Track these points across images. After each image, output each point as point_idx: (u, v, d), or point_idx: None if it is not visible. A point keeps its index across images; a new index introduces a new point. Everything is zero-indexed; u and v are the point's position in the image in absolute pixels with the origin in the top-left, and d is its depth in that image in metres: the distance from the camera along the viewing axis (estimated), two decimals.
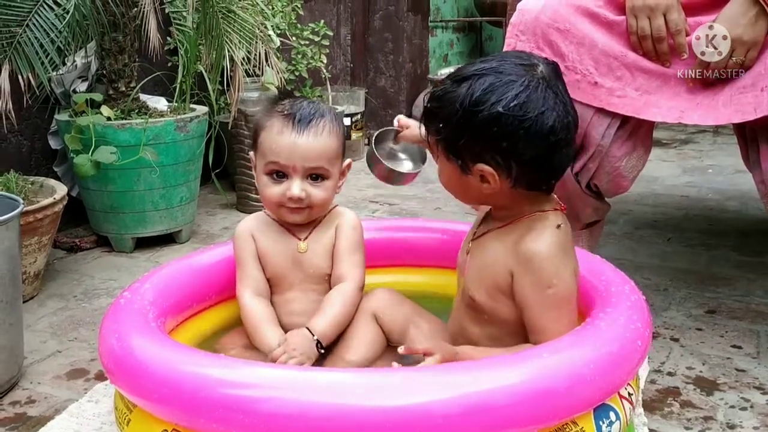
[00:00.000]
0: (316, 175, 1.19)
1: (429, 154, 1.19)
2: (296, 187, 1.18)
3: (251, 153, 1.25)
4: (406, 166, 1.40)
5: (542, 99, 0.96)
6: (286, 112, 1.19)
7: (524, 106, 0.95)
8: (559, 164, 1.02)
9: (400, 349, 0.98)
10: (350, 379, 0.86)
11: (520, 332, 1.06)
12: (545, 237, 1.01)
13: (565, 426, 0.88)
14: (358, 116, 3.44)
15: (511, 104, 0.94)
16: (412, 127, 1.34)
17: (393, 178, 1.37)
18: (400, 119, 1.37)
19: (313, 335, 1.14)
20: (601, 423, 0.91)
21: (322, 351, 1.15)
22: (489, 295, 1.06)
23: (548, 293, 1.00)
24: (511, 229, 1.05)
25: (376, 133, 1.39)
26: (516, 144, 0.96)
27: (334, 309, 1.18)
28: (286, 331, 1.19)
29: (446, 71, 3.85)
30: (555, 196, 1.08)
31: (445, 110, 0.99)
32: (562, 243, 1.02)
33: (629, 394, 0.98)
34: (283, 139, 1.17)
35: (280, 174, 1.19)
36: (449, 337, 1.16)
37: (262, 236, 1.25)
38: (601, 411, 0.92)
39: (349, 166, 1.26)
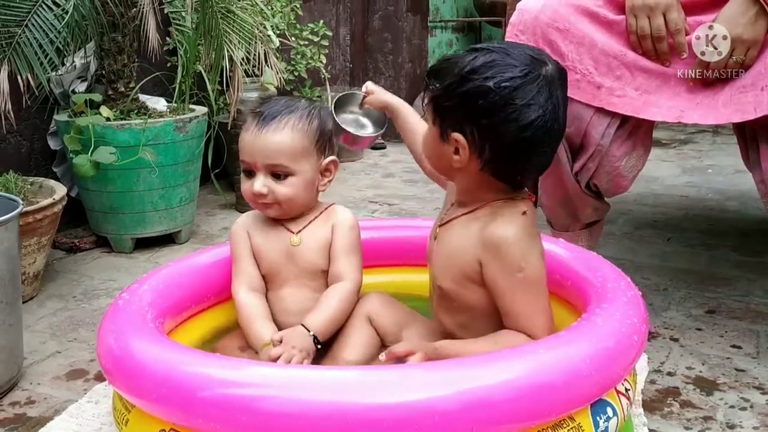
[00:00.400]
0: (278, 172, 1.20)
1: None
2: (258, 183, 1.19)
3: None
4: (366, 129, 1.43)
5: (534, 93, 0.96)
6: (258, 110, 1.22)
7: (514, 92, 0.96)
8: (532, 165, 1.03)
9: (381, 357, 0.99)
10: (348, 377, 0.86)
11: (489, 318, 1.06)
12: (511, 223, 1.01)
13: (562, 422, 0.88)
14: None
15: (503, 84, 0.95)
16: (376, 92, 1.37)
17: (353, 140, 1.39)
18: (368, 85, 1.39)
19: (309, 331, 1.14)
20: (598, 418, 0.91)
21: (319, 346, 1.14)
22: (456, 283, 1.07)
23: (518, 277, 1.00)
24: (477, 216, 1.06)
25: (337, 96, 1.41)
26: (495, 125, 0.97)
27: (331, 306, 1.18)
28: (281, 328, 1.19)
29: None
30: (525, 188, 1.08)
31: (445, 71, 1.00)
32: (527, 228, 1.03)
33: (626, 390, 0.98)
34: (247, 136, 1.20)
35: (249, 170, 1.22)
36: (437, 335, 1.16)
37: (256, 232, 1.26)
38: (598, 407, 0.92)
39: (335, 163, 1.25)
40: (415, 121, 1.33)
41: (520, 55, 0.98)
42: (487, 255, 1.02)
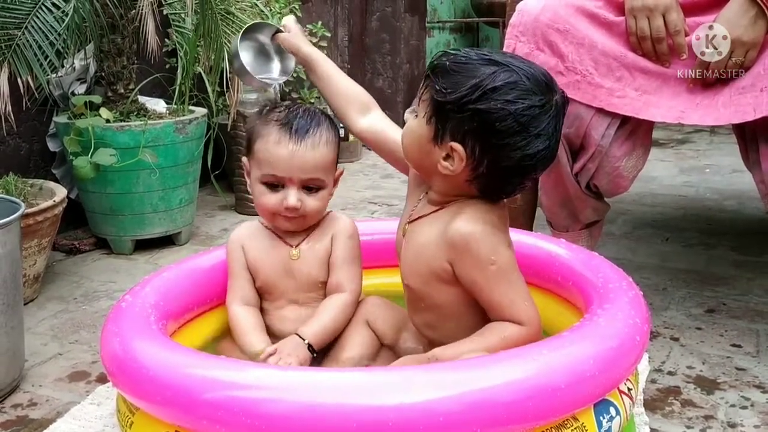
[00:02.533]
0: (311, 185, 1.19)
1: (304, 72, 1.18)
2: (293, 197, 1.17)
3: (244, 159, 1.24)
4: (269, 69, 1.32)
5: (545, 123, 0.96)
6: (283, 122, 1.18)
7: (531, 121, 0.95)
8: (519, 187, 1.03)
9: None
10: (352, 379, 0.86)
11: (457, 318, 1.07)
12: (474, 218, 1.01)
13: (565, 422, 0.88)
14: None
15: (523, 112, 0.94)
16: (292, 34, 1.26)
17: (245, 77, 1.29)
18: (287, 20, 1.28)
19: (304, 340, 1.14)
20: (601, 418, 0.91)
21: (315, 355, 1.15)
22: (425, 282, 1.07)
23: (492, 270, 1.00)
24: (443, 214, 1.05)
25: (248, 24, 1.29)
26: (502, 147, 0.96)
27: (328, 316, 1.18)
28: (278, 340, 1.20)
29: None
30: None
31: (459, 77, 0.97)
32: (492, 221, 1.02)
33: (629, 389, 0.99)
34: (280, 150, 1.16)
35: (276, 183, 1.19)
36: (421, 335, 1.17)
37: (252, 246, 1.24)
38: (602, 406, 0.92)
39: (341, 173, 1.26)
40: (338, 80, 1.24)
41: (538, 79, 0.97)
42: (456, 254, 1.01)
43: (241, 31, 1.27)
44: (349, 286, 1.22)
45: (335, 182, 1.25)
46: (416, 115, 1.04)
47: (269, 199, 1.19)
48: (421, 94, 1.03)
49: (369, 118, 1.22)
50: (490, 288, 1.01)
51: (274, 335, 1.22)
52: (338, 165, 1.25)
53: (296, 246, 1.23)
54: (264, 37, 1.30)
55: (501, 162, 0.97)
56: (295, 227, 1.22)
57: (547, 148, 0.97)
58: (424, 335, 1.13)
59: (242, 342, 1.18)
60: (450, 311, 1.07)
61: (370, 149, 1.25)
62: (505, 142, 0.96)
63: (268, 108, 1.22)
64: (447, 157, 1.00)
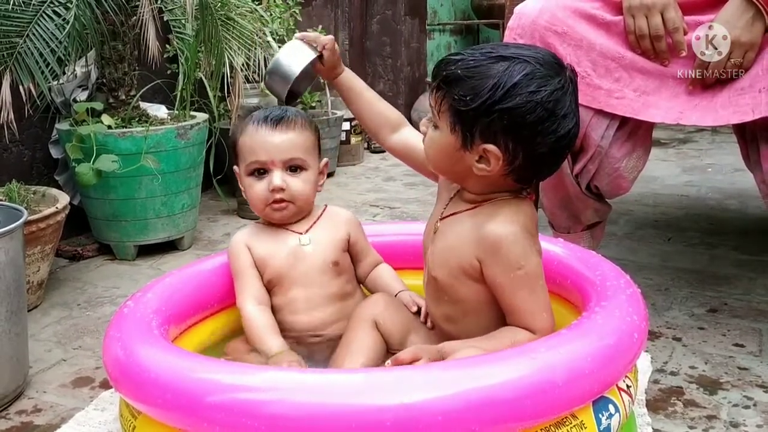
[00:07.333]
0: (294, 167, 1.24)
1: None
2: (277, 177, 1.22)
3: (235, 167, 1.29)
4: (285, 80, 1.29)
5: (568, 102, 0.98)
6: (258, 116, 1.26)
7: (556, 104, 0.97)
8: (552, 169, 1.05)
9: (387, 364, 1.00)
10: (352, 379, 0.87)
11: (477, 314, 1.08)
12: (511, 221, 1.02)
13: (564, 420, 0.88)
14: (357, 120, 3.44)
15: (549, 98, 0.96)
16: (333, 63, 1.26)
17: (277, 94, 1.28)
18: (327, 54, 1.24)
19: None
20: (600, 416, 0.91)
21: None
22: (452, 276, 1.07)
23: (519, 274, 1.01)
24: (478, 213, 1.06)
25: (308, 55, 1.23)
26: (535, 137, 0.97)
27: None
28: (290, 328, 1.23)
29: None
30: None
31: (475, 81, 0.97)
32: (526, 225, 1.03)
33: (628, 387, 0.98)
34: (258, 137, 1.23)
35: (261, 171, 1.24)
36: (442, 338, 1.17)
37: (258, 243, 1.27)
38: (600, 404, 0.92)
39: (326, 165, 1.31)
40: (373, 105, 1.28)
41: (549, 62, 0.98)
42: (486, 253, 1.02)
43: (306, 58, 1.23)
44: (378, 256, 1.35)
45: (321, 172, 1.29)
46: (435, 126, 1.05)
47: (257, 188, 1.24)
48: (439, 106, 1.02)
49: (399, 134, 1.29)
50: (513, 292, 1.02)
51: (285, 329, 1.23)
52: (327, 160, 1.31)
53: (305, 232, 1.27)
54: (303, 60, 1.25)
55: (536, 150, 0.99)
56: (289, 215, 1.26)
57: (576, 125, 1.00)
58: (441, 328, 1.14)
59: (259, 345, 1.19)
60: (471, 307, 1.08)
61: (399, 161, 1.33)
62: (537, 131, 0.97)
63: (245, 116, 1.30)
64: (480, 159, 1.00)
